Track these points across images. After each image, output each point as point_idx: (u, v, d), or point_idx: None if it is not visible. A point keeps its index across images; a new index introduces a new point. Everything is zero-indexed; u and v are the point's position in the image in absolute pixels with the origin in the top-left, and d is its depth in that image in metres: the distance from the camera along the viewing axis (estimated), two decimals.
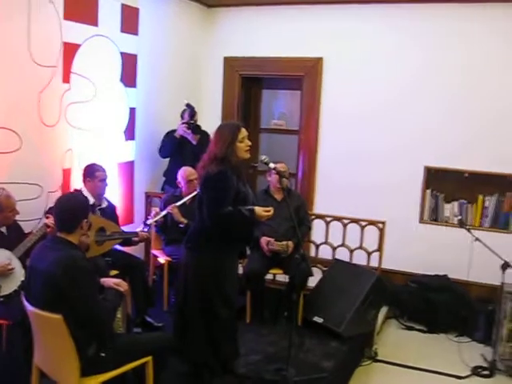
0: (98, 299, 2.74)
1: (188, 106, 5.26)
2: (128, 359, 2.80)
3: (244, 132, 3.28)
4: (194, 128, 5.22)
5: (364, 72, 5.65)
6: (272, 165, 3.48)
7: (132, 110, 5.14)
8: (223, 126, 3.39)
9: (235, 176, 3.22)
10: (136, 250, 4.79)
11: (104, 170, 4.23)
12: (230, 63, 6.20)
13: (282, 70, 6.03)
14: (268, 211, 3.22)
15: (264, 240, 4.42)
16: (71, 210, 2.77)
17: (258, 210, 3.20)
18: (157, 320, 4.24)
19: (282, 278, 4.74)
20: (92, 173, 4.17)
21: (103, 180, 4.19)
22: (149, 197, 5.52)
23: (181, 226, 4.46)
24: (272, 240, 4.43)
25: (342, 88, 5.76)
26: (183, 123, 5.21)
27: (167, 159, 5.40)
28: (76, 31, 4.34)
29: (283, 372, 3.46)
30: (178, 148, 5.24)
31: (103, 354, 2.71)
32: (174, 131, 5.28)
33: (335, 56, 5.74)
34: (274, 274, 4.87)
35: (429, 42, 5.37)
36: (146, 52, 5.24)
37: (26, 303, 2.70)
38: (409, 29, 5.44)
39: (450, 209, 5.52)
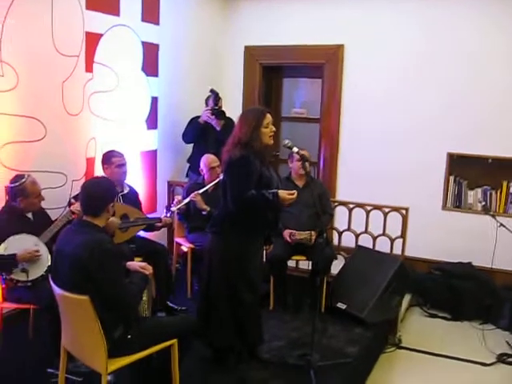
0: (123, 282, 2.76)
1: (212, 91, 5.24)
2: (153, 341, 2.82)
3: (269, 117, 3.26)
4: (218, 114, 5.19)
5: (386, 58, 5.61)
6: (295, 149, 3.46)
7: (154, 99, 5.17)
8: (248, 111, 3.40)
9: (258, 160, 3.21)
10: (159, 238, 4.83)
11: (121, 156, 4.17)
12: (250, 52, 6.20)
13: (302, 58, 6.00)
14: (292, 194, 3.20)
15: (287, 233, 4.41)
16: (98, 193, 2.79)
17: (282, 193, 3.19)
18: (180, 306, 4.27)
19: (305, 265, 4.75)
20: (109, 159, 4.15)
21: (120, 165, 4.14)
22: (171, 185, 5.55)
23: (203, 213, 4.47)
24: (294, 231, 4.41)
25: (364, 75, 5.72)
26: (207, 109, 5.22)
27: (191, 146, 5.41)
28: (98, 21, 4.39)
29: (307, 357, 3.46)
30: (201, 134, 5.24)
31: (129, 336, 2.74)
32: (198, 117, 5.27)
33: (356, 42, 5.71)
34: (297, 261, 4.89)
35: (449, 24, 5.31)
36: (167, 41, 5.27)
37: (53, 285, 2.73)
38: (429, 13, 5.37)
39: (473, 195, 5.46)
